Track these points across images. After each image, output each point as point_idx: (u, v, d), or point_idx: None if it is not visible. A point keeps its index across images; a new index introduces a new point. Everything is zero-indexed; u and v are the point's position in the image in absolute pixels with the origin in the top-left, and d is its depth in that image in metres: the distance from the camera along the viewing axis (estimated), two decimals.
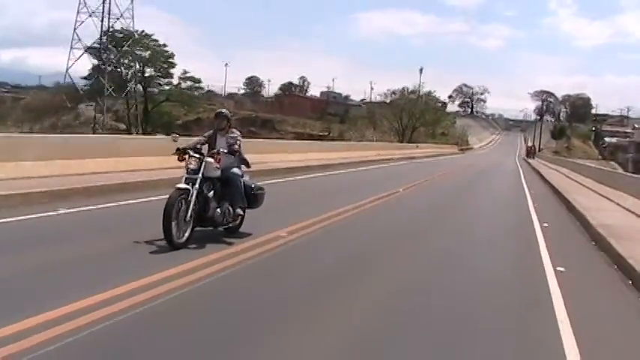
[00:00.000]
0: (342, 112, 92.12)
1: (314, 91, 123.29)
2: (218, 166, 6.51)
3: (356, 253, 6.79)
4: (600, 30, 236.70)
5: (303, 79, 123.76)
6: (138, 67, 60.48)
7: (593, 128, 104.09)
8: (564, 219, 12.22)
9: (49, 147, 10.82)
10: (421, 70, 75.03)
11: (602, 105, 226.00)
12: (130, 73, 60.68)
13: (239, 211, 6.85)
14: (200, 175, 6.24)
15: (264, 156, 16.67)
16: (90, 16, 56.53)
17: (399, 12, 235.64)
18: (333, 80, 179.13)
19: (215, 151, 6.64)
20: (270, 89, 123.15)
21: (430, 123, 72.00)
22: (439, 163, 37.33)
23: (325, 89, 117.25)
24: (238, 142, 6.91)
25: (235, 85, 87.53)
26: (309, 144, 30.75)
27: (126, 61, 60.17)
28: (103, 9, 58.13)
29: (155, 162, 12.29)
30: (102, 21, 55.99)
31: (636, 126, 76.78)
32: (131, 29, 58.31)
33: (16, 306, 3.81)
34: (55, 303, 3.83)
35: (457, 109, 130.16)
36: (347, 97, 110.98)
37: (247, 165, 7.23)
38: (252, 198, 7.09)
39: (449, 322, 4.38)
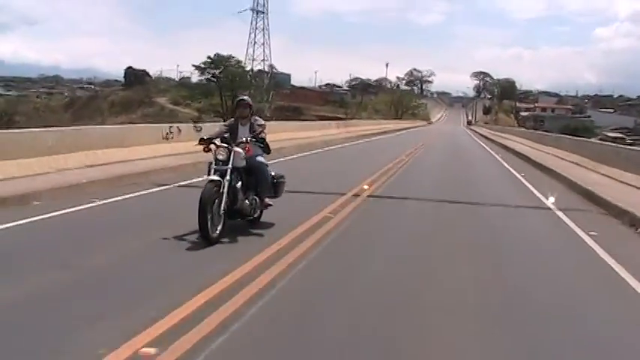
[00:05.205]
0: (339, 99, 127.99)
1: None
2: (245, 155, 6.33)
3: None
4: (535, 3, 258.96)
5: (272, 66, 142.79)
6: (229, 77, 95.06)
7: (514, 104, 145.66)
8: (477, 134, 49.97)
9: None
10: (387, 65, 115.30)
11: (538, 75, 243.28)
12: (225, 82, 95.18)
13: (267, 200, 6.70)
14: (230, 165, 6.09)
15: (349, 128, 50.66)
16: (252, 61, 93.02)
17: None
18: (315, 72, 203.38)
19: (243, 139, 6.44)
20: None
21: (411, 108, 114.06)
22: (426, 130, 74.51)
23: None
24: (265, 130, 6.76)
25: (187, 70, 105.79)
26: (358, 121, 63.86)
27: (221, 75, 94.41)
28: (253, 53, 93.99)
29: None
30: (252, 61, 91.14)
31: (536, 104, 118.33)
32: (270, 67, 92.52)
33: None
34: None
35: (405, 87, 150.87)
36: (334, 85, 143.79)
37: (268, 151, 6.99)
38: (274, 187, 6.94)
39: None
